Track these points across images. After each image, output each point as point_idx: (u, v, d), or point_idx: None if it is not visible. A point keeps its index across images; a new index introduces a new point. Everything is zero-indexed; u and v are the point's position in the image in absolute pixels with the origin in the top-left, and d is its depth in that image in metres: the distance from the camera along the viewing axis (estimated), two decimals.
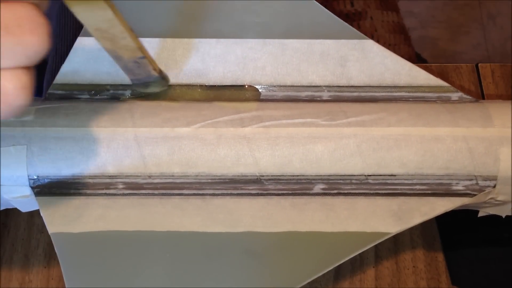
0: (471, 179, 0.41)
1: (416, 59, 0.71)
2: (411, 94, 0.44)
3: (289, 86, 0.44)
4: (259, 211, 0.40)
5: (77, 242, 0.39)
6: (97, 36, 0.36)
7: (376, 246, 0.47)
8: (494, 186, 0.41)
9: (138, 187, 0.41)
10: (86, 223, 0.40)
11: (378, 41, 0.64)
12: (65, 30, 0.63)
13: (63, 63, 0.44)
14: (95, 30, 0.35)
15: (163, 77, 0.42)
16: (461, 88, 0.53)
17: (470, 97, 0.45)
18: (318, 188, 0.41)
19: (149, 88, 0.42)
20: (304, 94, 0.44)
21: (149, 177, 0.40)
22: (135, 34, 0.37)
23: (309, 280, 0.38)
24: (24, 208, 0.42)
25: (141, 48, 0.38)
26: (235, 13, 0.44)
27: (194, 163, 0.40)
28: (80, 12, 0.33)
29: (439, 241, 0.48)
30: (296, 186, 0.41)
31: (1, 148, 0.39)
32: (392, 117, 0.41)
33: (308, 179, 0.41)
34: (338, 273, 0.47)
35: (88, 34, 0.44)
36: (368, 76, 0.44)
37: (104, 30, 0.35)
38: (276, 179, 0.41)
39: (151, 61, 0.40)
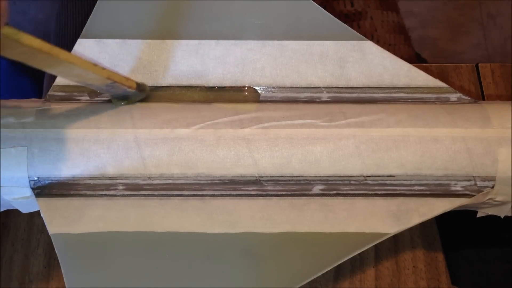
0: (469, 180, 0.41)
1: (416, 59, 0.71)
2: (410, 95, 0.44)
3: (288, 87, 0.44)
4: (258, 211, 0.41)
5: (77, 242, 0.39)
6: (62, 76, 0.37)
7: (376, 246, 0.47)
8: (493, 187, 0.41)
9: (138, 188, 0.41)
10: (86, 224, 0.40)
11: (378, 41, 0.65)
12: (65, 30, 0.63)
13: None
14: (58, 73, 0.37)
15: (140, 90, 0.43)
16: (461, 88, 0.53)
17: (469, 98, 0.45)
18: (317, 189, 0.41)
19: (128, 99, 0.43)
20: (303, 95, 0.44)
21: (149, 178, 0.41)
22: (100, 67, 0.38)
23: (308, 280, 0.39)
24: (24, 209, 0.42)
25: (110, 76, 0.39)
26: (234, 15, 0.45)
27: (193, 164, 0.40)
28: (40, 66, 0.34)
29: (439, 241, 0.48)
30: (295, 187, 0.41)
31: (2, 150, 0.39)
32: (391, 118, 0.42)
33: (307, 180, 0.41)
34: (338, 273, 0.47)
35: (88, 35, 0.44)
36: (367, 77, 0.44)
37: (66, 72, 0.37)
38: (275, 180, 0.41)
39: (125, 81, 0.41)
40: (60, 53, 0.34)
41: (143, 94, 0.43)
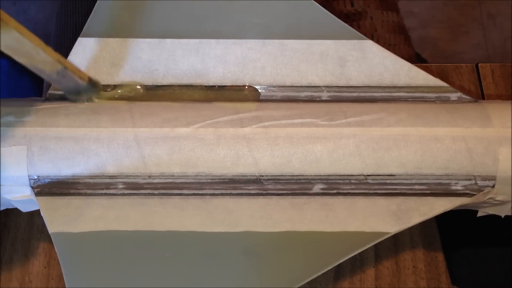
0: (470, 179, 0.41)
1: (416, 59, 0.71)
2: (410, 94, 0.44)
3: (288, 86, 0.44)
4: (258, 211, 0.40)
5: (77, 242, 0.39)
6: (10, 53, 0.37)
7: (376, 246, 0.47)
8: (493, 186, 0.41)
9: (138, 187, 0.41)
10: (86, 223, 0.40)
11: (378, 41, 0.65)
12: (65, 30, 0.63)
13: None
14: (7, 49, 0.36)
15: (93, 84, 0.43)
16: (461, 88, 0.53)
17: (469, 97, 0.45)
18: (317, 188, 0.41)
19: (80, 95, 0.43)
20: (303, 94, 0.44)
21: (149, 177, 0.40)
22: (50, 48, 0.37)
23: (309, 280, 0.39)
24: (24, 208, 0.42)
25: (60, 60, 0.39)
26: (234, 14, 0.45)
27: (194, 163, 0.40)
28: None
29: (439, 241, 0.48)
30: (296, 186, 0.41)
31: (2, 148, 0.39)
32: (391, 117, 0.41)
33: (307, 179, 0.41)
34: (338, 273, 0.47)
35: (88, 34, 0.44)
36: (368, 76, 0.44)
37: (15, 48, 0.36)
38: (276, 179, 0.41)
39: (76, 71, 0.41)
40: (10, 20, 0.33)
41: (95, 90, 0.43)
